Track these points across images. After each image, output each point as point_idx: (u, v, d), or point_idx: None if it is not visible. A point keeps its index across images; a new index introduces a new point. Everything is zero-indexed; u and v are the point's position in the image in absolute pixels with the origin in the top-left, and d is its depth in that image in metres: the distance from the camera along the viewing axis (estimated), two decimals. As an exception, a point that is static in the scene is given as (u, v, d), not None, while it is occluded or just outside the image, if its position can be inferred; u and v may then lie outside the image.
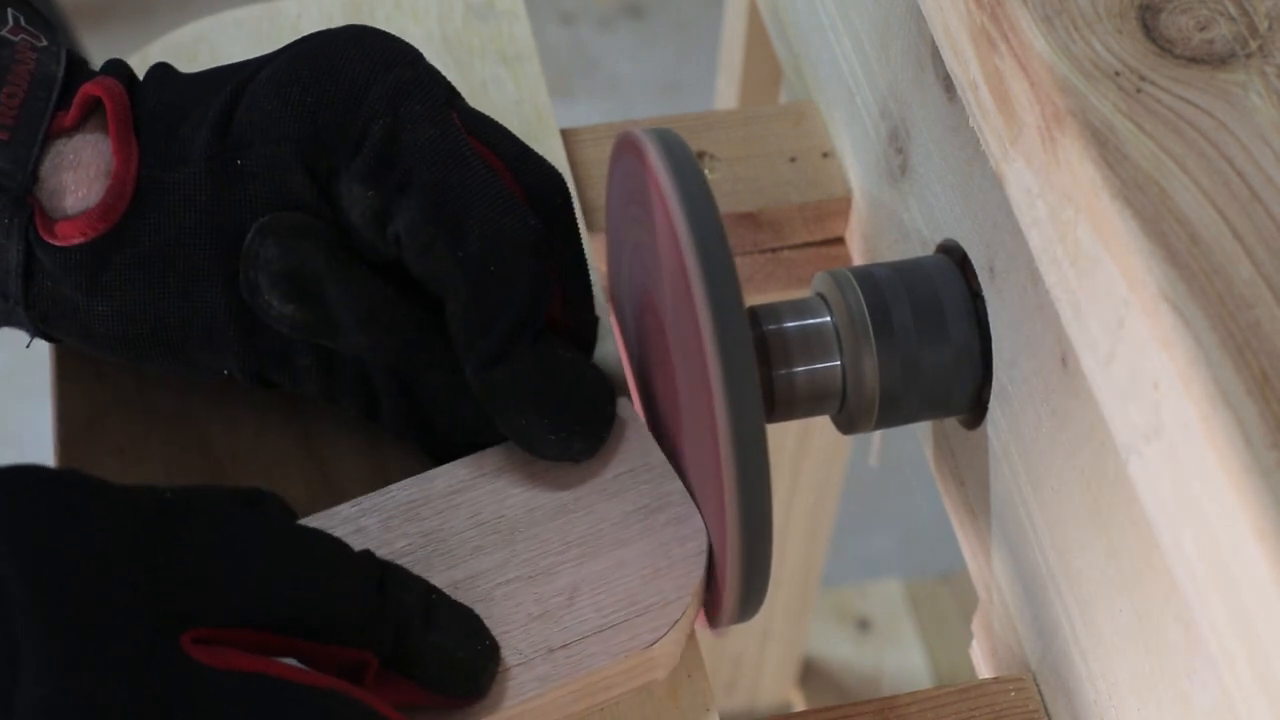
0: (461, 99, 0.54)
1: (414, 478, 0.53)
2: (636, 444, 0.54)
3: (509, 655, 0.49)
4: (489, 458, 0.54)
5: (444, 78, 0.54)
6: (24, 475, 0.42)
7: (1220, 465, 0.37)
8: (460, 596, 0.50)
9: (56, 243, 0.51)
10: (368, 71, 0.52)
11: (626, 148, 0.53)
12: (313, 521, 0.52)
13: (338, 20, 0.67)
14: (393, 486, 0.53)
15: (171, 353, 0.54)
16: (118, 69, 0.54)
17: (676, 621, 0.50)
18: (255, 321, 0.53)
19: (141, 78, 0.54)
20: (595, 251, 0.62)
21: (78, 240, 0.51)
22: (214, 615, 0.42)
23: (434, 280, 0.51)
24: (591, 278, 0.55)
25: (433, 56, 0.67)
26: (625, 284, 0.57)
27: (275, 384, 0.55)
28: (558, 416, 0.52)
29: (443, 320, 0.52)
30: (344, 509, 0.52)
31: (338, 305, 0.51)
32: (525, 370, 0.51)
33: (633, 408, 0.55)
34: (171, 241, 0.51)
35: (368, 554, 0.47)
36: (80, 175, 0.51)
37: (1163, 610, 0.44)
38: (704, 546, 0.51)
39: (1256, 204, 0.41)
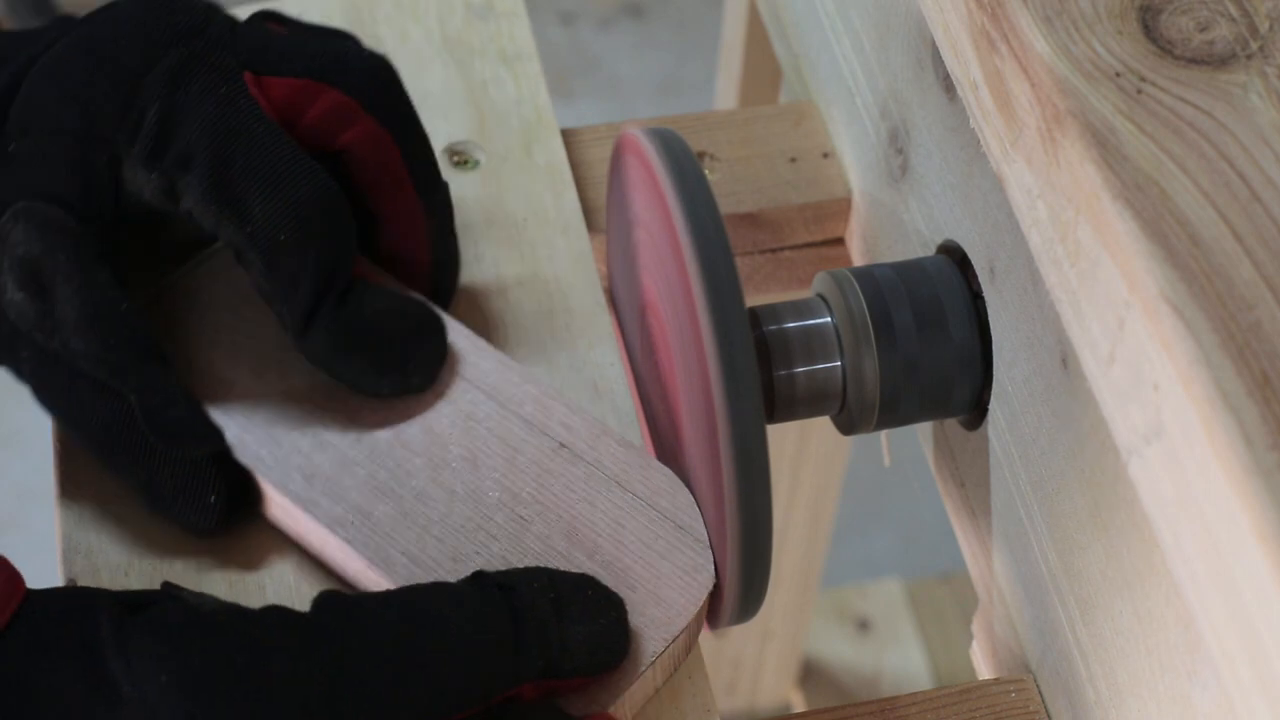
0: (256, 37, 0.53)
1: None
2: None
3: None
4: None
5: (232, 36, 0.53)
6: (183, 618, 0.42)
7: (1221, 466, 0.37)
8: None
9: None
10: (146, 55, 0.51)
11: (627, 148, 0.53)
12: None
13: (337, 19, 0.67)
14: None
15: None
16: None
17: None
18: None
19: None
20: (595, 251, 0.62)
21: None
22: None
23: (236, 252, 0.52)
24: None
25: (432, 56, 0.67)
26: (625, 284, 0.57)
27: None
28: (385, 359, 0.53)
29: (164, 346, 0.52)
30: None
31: (65, 304, 0.50)
32: (338, 327, 0.51)
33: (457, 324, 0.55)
34: None
35: (480, 581, 0.46)
36: None
37: (1163, 611, 0.44)
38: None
39: (1257, 205, 0.41)
